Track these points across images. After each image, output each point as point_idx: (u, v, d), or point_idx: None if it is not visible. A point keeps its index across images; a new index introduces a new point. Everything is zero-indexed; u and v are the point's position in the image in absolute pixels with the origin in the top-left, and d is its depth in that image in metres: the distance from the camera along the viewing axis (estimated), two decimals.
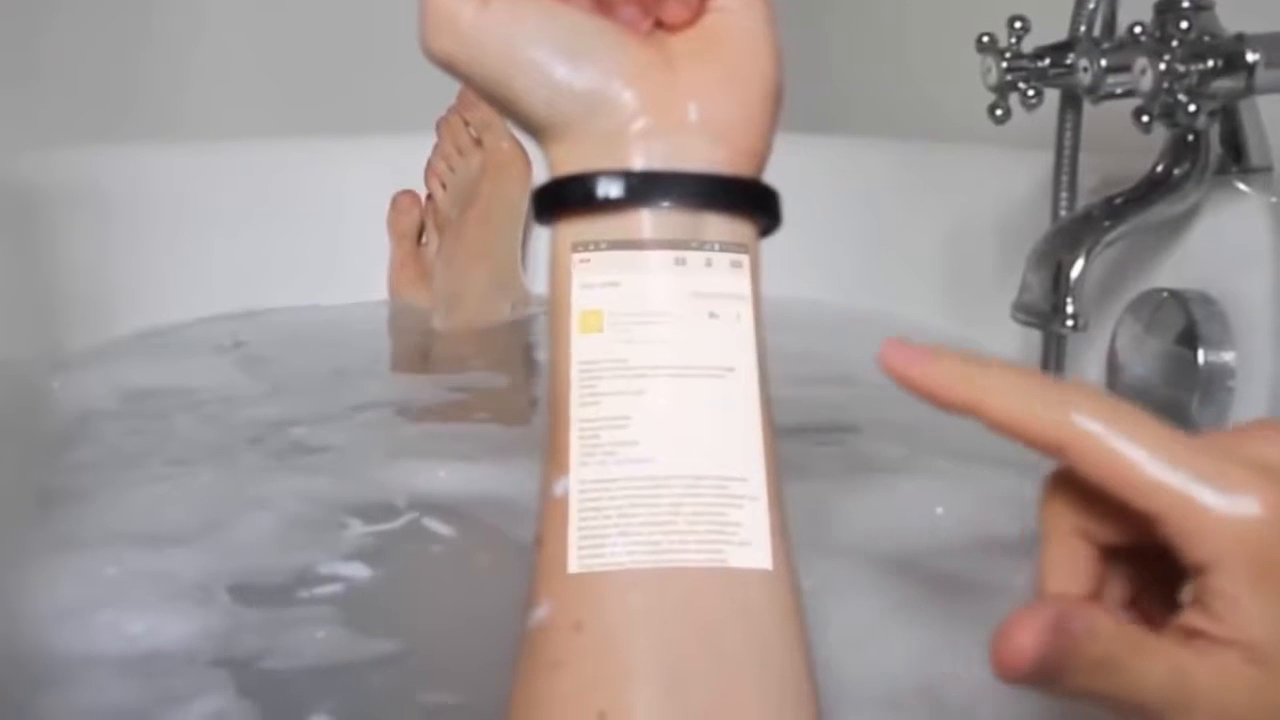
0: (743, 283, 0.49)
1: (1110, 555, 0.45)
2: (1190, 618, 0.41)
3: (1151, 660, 0.41)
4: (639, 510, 0.46)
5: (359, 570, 0.78)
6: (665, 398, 0.47)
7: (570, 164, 0.49)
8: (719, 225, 0.49)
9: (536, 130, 0.50)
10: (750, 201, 0.50)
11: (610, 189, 0.48)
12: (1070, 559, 0.45)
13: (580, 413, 0.47)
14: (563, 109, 0.49)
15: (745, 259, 0.50)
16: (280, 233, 1.40)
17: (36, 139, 1.40)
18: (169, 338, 1.30)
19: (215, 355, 1.24)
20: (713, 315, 0.48)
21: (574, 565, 0.46)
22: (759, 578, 0.46)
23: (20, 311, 1.16)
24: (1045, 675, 0.41)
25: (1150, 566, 0.44)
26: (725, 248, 0.49)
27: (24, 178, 1.26)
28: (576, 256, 0.49)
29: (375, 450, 0.98)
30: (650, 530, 0.46)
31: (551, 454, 0.48)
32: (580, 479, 0.47)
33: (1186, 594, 0.42)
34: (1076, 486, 0.44)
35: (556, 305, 0.49)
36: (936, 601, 0.69)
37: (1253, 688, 0.41)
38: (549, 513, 0.47)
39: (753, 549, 0.47)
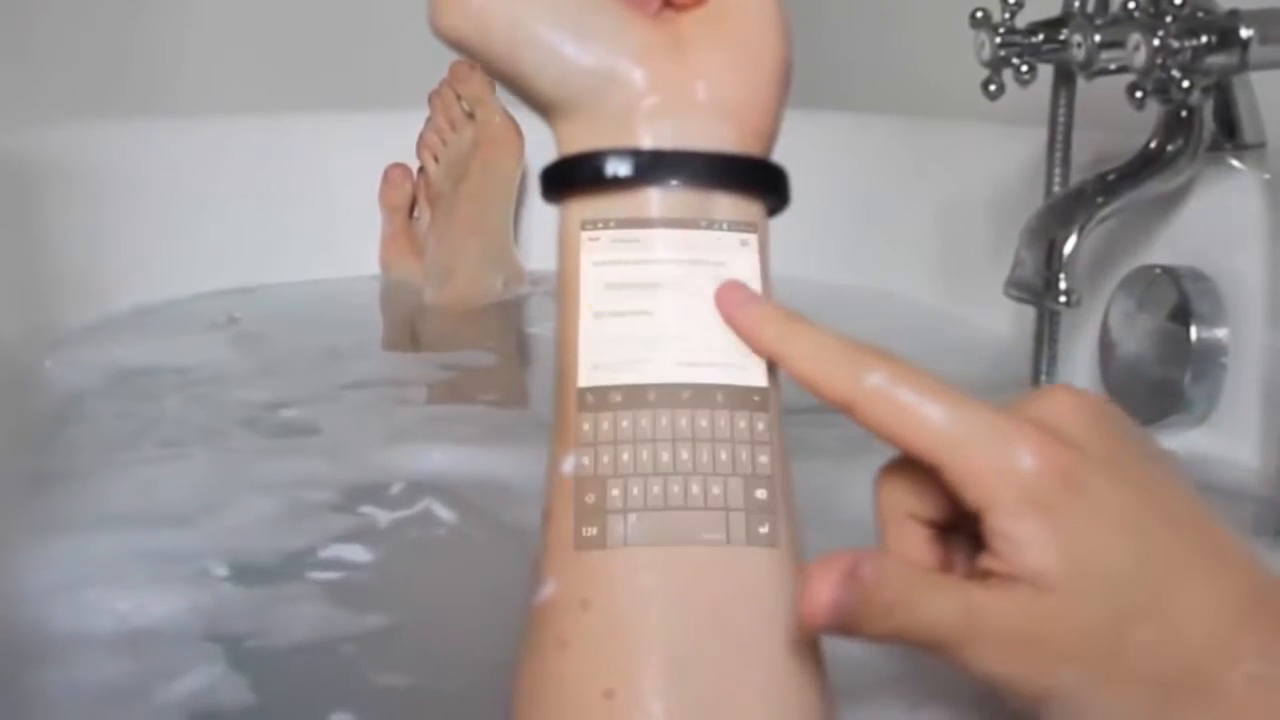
0: (751, 261, 0.49)
1: (949, 532, 0.47)
2: (982, 560, 0.44)
3: (944, 599, 0.43)
4: (652, 488, 0.46)
5: (351, 550, 0.78)
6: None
7: (579, 142, 0.49)
8: (727, 204, 0.49)
9: (545, 108, 0.50)
10: (759, 181, 0.51)
11: (619, 168, 0.48)
12: (907, 541, 0.48)
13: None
14: (572, 87, 0.49)
15: (753, 238, 0.50)
16: (273, 208, 1.40)
17: (29, 115, 1.40)
18: (162, 314, 1.30)
19: (208, 332, 1.24)
20: None
21: (579, 543, 0.46)
22: (767, 557, 0.46)
23: (11, 289, 1.16)
24: (844, 623, 0.43)
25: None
26: (734, 227, 0.49)
27: (16, 154, 1.26)
28: (585, 235, 0.49)
29: (367, 431, 0.98)
30: (659, 511, 0.46)
31: (560, 430, 0.48)
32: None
33: None
34: (905, 473, 0.47)
35: (565, 282, 0.49)
36: None
37: (1047, 614, 0.43)
38: (557, 488, 0.47)
39: (774, 528, 0.47)
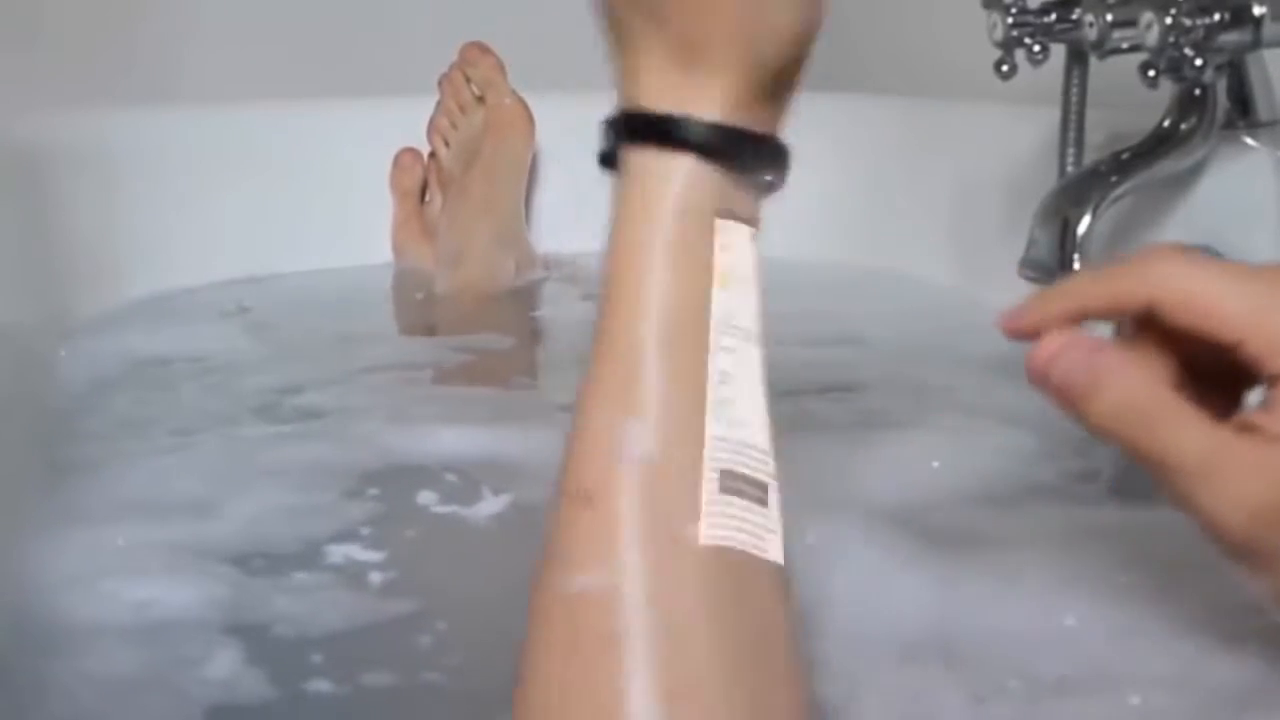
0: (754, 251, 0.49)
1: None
2: (1253, 415, 0.47)
3: (1186, 427, 0.47)
4: (737, 482, 0.45)
5: (367, 535, 0.78)
6: (756, 363, 0.47)
7: (659, 91, 0.47)
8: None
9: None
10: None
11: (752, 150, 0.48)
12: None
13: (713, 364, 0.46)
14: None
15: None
16: (284, 196, 1.40)
17: (41, 102, 1.40)
18: (174, 303, 1.30)
19: (221, 321, 1.24)
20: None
21: (705, 537, 0.44)
22: (780, 570, 0.46)
23: (26, 278, 1.16)
24: (1069, 393, 0.48)
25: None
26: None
27: (29, 142, 1.26)
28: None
29: (382, 415, 0.97)
30: (743, 507, 0.45)
31: (629, 402, 0.45)
32: (712, 436, 0.45)
33: (1252, 396, 0.49)
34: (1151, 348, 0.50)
35: (671, 245, 0.47)
36: (944, 555, 0.69)
37: None
38: (615, 470, 0.44)
39: (778, 539, 0.46)
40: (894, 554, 0.69)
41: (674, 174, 0.47)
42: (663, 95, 0.47)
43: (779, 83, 0.49)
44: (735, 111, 0.47)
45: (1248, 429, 0.47)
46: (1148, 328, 0.50)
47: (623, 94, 0.48)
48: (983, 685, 0.58)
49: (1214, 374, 0.50)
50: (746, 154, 0.48)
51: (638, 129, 0.48)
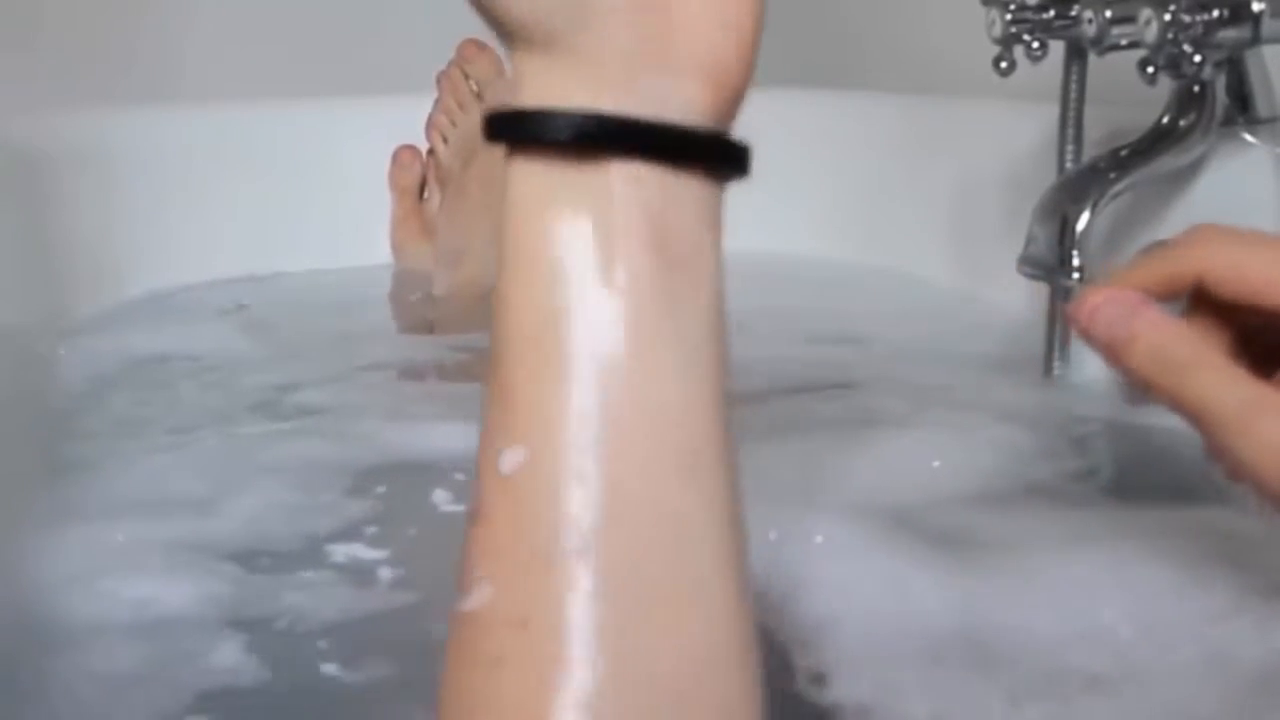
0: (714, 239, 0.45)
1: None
2: None
3: (1224, 377, 0.49)
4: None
5: (367, 531, 0.78)
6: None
7: (541, 84, 0.43)
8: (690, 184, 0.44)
9: (510, 32, 0.45)
10: (726, 161, 0.45)
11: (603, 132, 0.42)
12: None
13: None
14: (542, 6, 0.43)
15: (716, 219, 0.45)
16: (283, 195, 1.40)
17: (40, 102, 1.40)
18: (173, 302, 1.30)
19: (219, 320, 1.24)
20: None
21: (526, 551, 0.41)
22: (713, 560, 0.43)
23: (24, 277, 1.16)
24: (1109, 342, 0.50)
25: None
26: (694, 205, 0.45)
27: (28, 141, 1.26)
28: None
29: (382, 413, 0.97)
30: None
31: (501, 418, 0.43)
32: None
33: None
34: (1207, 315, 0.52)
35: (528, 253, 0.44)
36: (955, 554, 0.69)
37: None
38: (494, 486, 0.42)
39: None
40: (905, 554, 0.69)
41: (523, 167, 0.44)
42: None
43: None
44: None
45: None
46: (1202, 304, 0.52)
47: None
48: (1017, 685, 0.58)
49: (1272, 351, 0.52)
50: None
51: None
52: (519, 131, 0.44)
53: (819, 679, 0.60)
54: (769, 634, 0.63)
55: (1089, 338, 0.52)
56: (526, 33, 0.44)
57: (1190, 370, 0.49)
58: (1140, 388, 0.50)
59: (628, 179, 0.43)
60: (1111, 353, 0.51)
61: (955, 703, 0.57)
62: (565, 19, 0.43)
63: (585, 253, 0.43)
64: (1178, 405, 0.49)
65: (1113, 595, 0.63)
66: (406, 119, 1.42)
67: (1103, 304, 0.51)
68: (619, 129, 0.42)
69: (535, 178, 0.43)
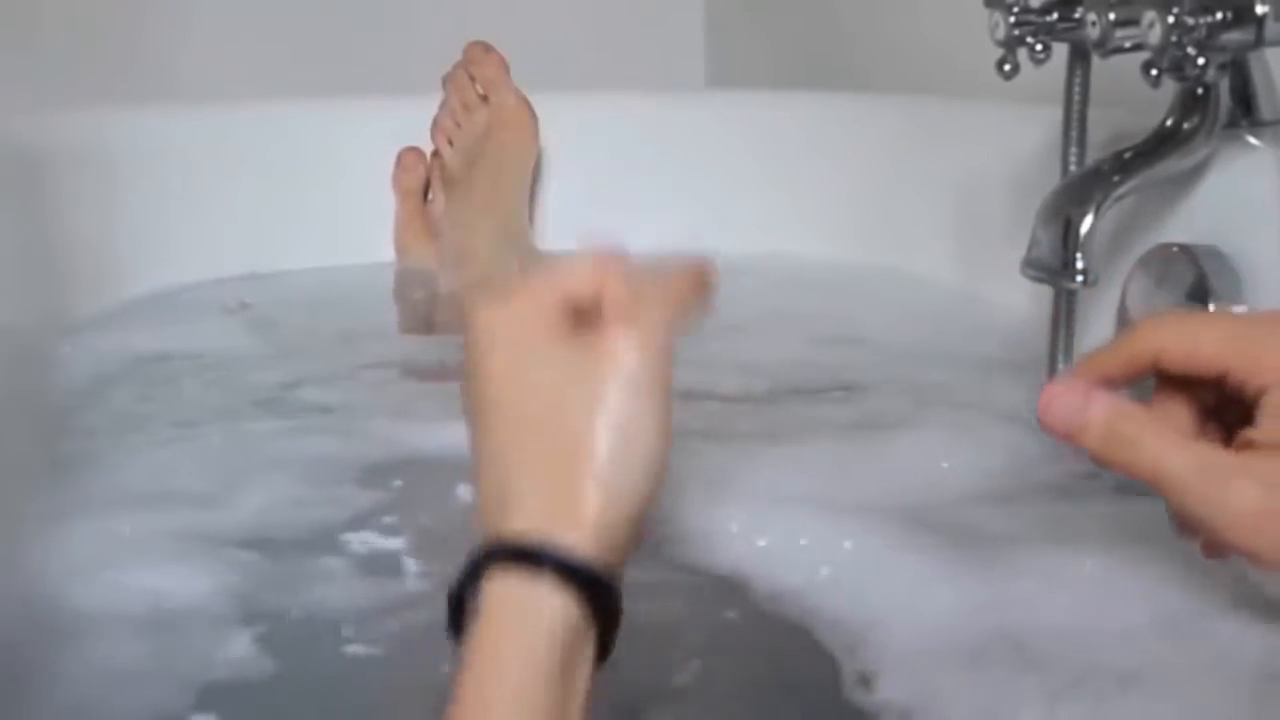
0: None
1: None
2: (1246, 433, 0.53)
3: (1176, 447, 0.53)
4: None
5: (371, 526, 0.78)
6: None
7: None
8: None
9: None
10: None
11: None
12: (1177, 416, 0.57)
13: None
14: None
15: None
16: (285, 195, 1.40)
17: (41, 102, 1.40)
18: (175, 300, 1.30)
19: (222, 318, 1.24)
20: None
21: None
22: None
23: (27, 276, 1.16)
24: (1068, 431, 0.55)
25: None
26: None
27: (30, 141, 1.26)
28: None
29: (384, 410, 0.98)
30: None
31: None
32: None
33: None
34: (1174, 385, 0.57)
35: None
36: (975, 554, 0.70)
37: None
38: None
39: None
40: (927, 555, 0.70)
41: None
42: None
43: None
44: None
45: (1244, 446, 0.53)
46: (1165, 385, 0.57)
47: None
48: (1054, 683, 0.59)
49: (1236, 426, 0.56)
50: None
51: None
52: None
53: (865, 680, 0.61)
54: (802, 635, 0.64)
55: (1050, 430, 0.56)
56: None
57: (1140, 443, 0.54)
58: (1102, 467, 0.55)
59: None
60: (1070, 439, 0.56)
61: (997, 703, 0.58)
62: None
63: None
64: (1138, 477, 0.54)
65: (1137, 589, 0.64)
66: (411, 119, 1.42)
67: (1058, 396, 0.56)
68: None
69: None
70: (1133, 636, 0.62)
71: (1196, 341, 0.55)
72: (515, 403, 0.52)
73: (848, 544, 0.70)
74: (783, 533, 0.74)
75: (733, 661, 0.66)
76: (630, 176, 1.40)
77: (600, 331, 0.52)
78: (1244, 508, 0.52)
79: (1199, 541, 0.58)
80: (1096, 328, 0.98)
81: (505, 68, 1.39)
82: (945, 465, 0.83)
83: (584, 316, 0.53)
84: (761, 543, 0.73)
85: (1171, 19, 0.83)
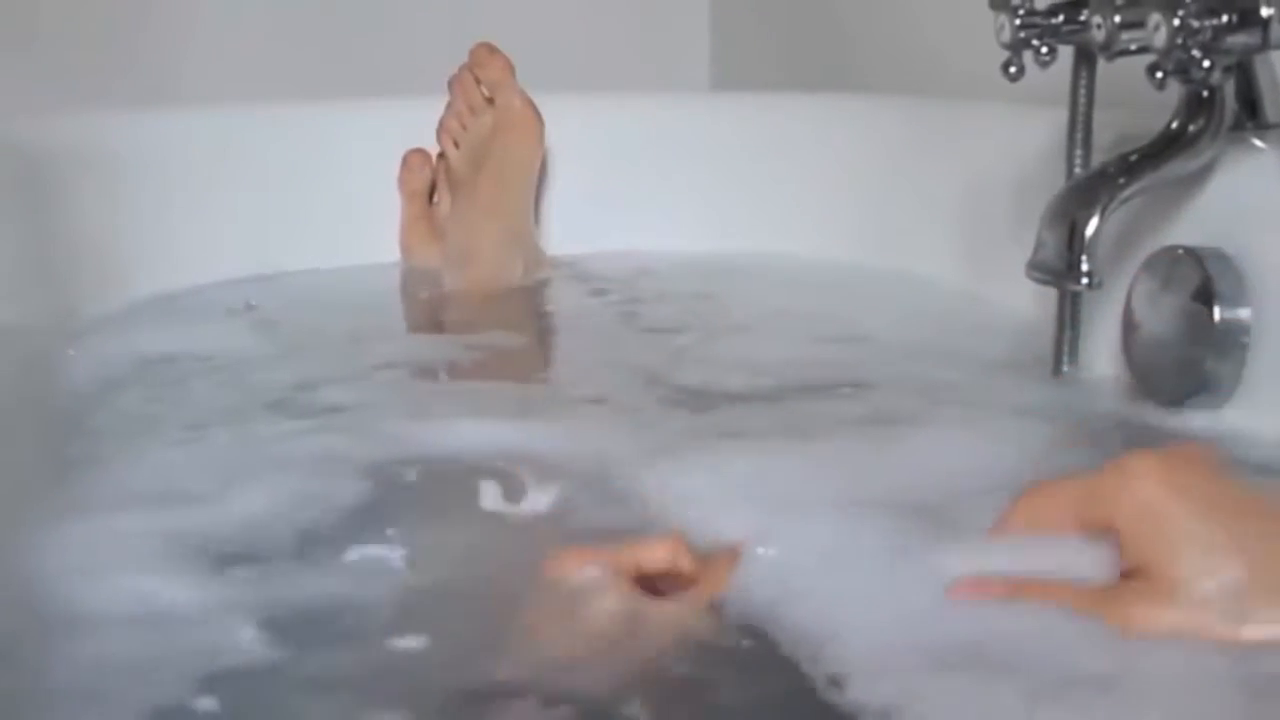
0: None
1: None
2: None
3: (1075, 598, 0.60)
4: None
5: (380, 525, 0.78)
6: None
7: None
8: None
9: None
10: None
11: None
12: None
13: None
14: None
15: None
16: (291, 196, 1.40)
17: (44, 104, 1.40)
18: (181, 302, 1.30)
19: (228, 320, 1.24)
20: None
21: None
22: None
23: (33, 278, 1.17)
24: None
25: None
26: None
27: (34, 143, 1.27)
28: None
29: (392, 409, 0.98)
30: None
31: None
32: None
33: None
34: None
35: None
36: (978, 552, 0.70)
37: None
38: None
39: None
40: (926, 552, 0.69)
41: None
42: None
43: None
44: None
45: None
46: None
47: None
48: (1035, 684, 0.58)
49: None
50: None
51: None
52: None
53: (837, 681, 0.60)
54: (800, 635, 0.64)
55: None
56: None
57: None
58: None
59: None
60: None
61: (976, 703, 0.57)
62: None
63: None
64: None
65: None
66: (416, 121, 1.42)
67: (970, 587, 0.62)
68: None
69: None
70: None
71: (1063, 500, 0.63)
72: None
73: (862, 539, 0.69)
74: (773, 528, 0.74)
75: (733, 661, 0.66)
76: (635, 177, 1.40)
77: None
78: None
79: None
80: (1102, 329, 0.99)
81: (511, 70, 1.39)
82: (948, 463, 0.83)
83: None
84: (769, 548, 0.73)
85: (1177, 21, 0.83)
